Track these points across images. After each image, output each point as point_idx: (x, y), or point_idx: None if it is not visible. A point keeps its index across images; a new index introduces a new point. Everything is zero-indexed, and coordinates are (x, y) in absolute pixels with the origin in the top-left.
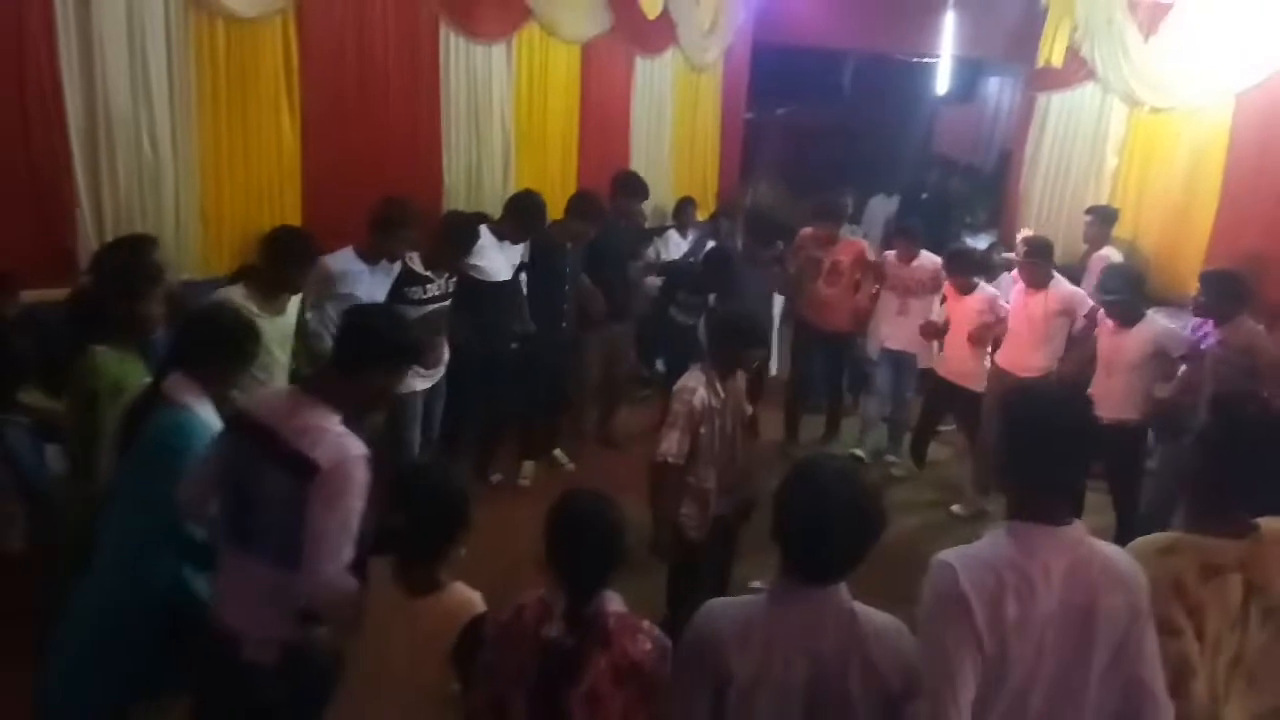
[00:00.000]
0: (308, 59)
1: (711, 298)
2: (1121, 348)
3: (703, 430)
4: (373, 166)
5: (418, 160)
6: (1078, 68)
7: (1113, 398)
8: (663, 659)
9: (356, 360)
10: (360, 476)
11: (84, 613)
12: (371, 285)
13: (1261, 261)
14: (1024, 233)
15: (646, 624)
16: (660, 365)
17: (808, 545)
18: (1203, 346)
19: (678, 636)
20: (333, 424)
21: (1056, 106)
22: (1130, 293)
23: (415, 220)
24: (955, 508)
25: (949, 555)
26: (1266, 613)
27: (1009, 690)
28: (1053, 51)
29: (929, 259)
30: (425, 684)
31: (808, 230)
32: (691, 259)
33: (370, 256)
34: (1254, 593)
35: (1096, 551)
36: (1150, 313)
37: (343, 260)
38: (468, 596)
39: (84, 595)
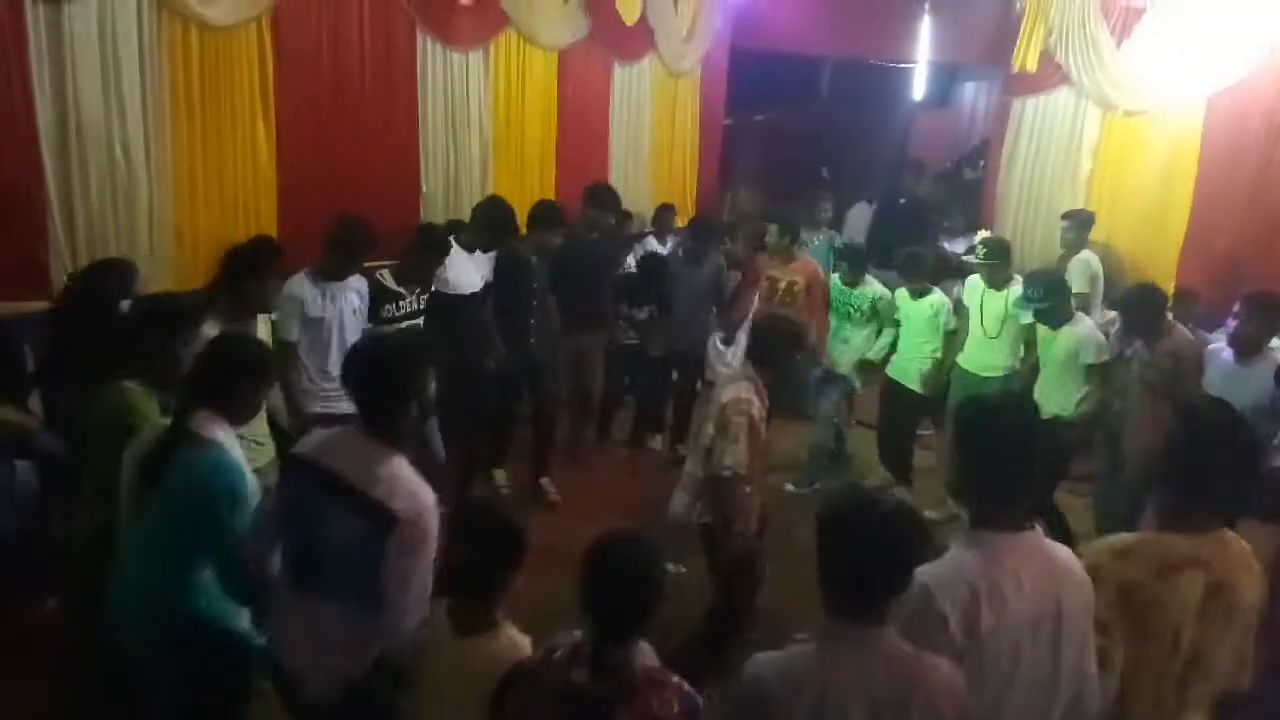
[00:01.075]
0: (283, 68)
1: (651, 310)
2: (1052, 345)
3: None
4: (350, 176)
5: (395, 169)
6: (1052, 72)
7: (1048, 392)
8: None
9: (401, 389)
10: (434, 527)
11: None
12: (326, 308)
13: (1234, 262)
14: (982, 234)
15: (676, 680)
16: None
17: (854, 576)
18: (1127, 353)
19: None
20: (403, 469)
21: (1031, 111)
22: (1054, 299)
23: (367, 242)
24: (930, 513)
25: (921, 574)
26: (1228, 611)
27: (987, 692)
28: (1027, 56)
29: (871, 285)
30: None
31: (763, 255)
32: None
33: (323, 277)
34: (1216, 591)
35: (1054, 555)
36: (1079, 315)
37: (295, 285)
38: (515, 640)
39: (110, 645)
